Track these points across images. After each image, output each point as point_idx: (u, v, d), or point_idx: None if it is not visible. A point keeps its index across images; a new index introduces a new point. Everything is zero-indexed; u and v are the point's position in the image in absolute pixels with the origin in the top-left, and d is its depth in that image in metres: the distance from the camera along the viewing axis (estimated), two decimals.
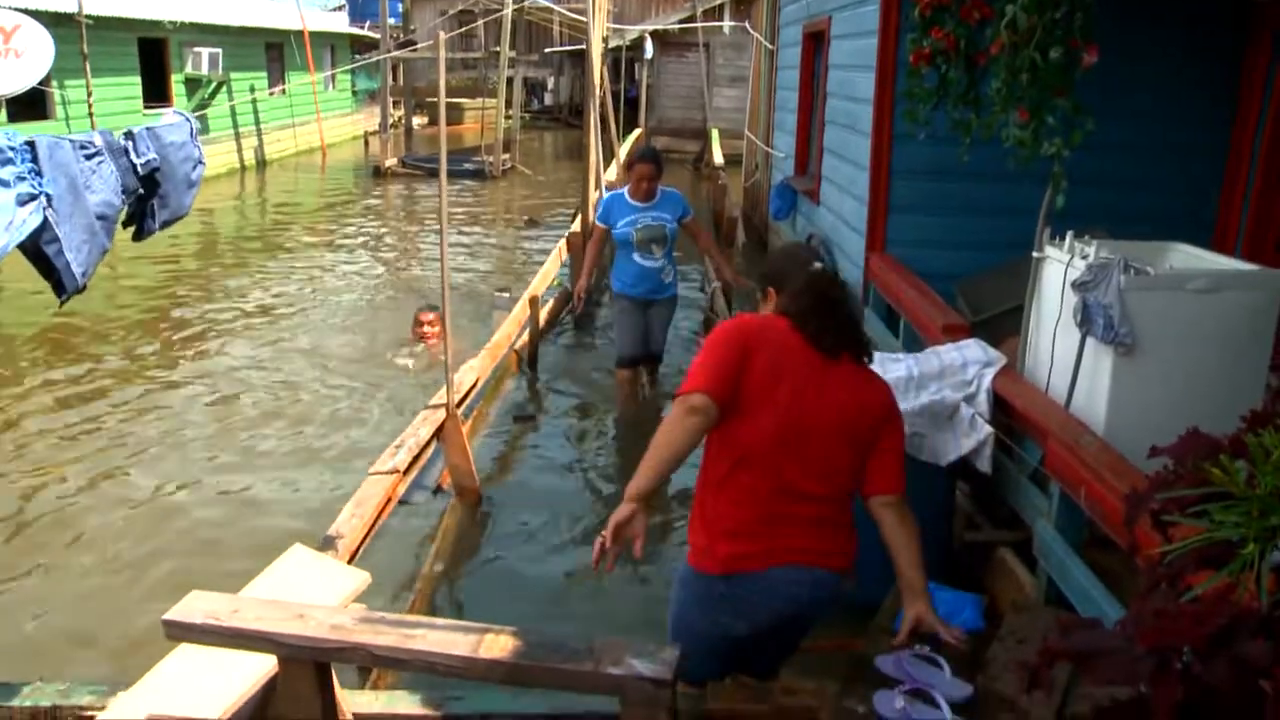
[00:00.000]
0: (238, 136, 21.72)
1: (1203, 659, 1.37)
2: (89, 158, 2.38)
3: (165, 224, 2.66)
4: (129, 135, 2.53)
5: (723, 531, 3.01)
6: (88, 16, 14.95)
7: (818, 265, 3.29)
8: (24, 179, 2.46)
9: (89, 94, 14.89)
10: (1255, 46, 5.92)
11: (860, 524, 3.43)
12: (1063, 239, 4.25)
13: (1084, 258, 4.03)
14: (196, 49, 20.10)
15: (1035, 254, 4.41)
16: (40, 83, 13.79)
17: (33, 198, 2.46)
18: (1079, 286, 3.96)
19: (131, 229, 2.70)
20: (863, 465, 3.09)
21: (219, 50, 20.68)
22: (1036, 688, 1.57)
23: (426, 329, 8.52)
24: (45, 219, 2.49)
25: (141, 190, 2.54)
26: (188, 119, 2.73)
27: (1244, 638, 1.37)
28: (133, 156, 2.50)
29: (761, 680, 3.37)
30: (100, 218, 2.34)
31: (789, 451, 2.97)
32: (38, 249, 2.61)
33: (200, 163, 2.72)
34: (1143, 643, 1.43)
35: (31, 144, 2.61)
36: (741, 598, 3.04)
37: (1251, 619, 1.39)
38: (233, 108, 21.29)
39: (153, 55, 19.05)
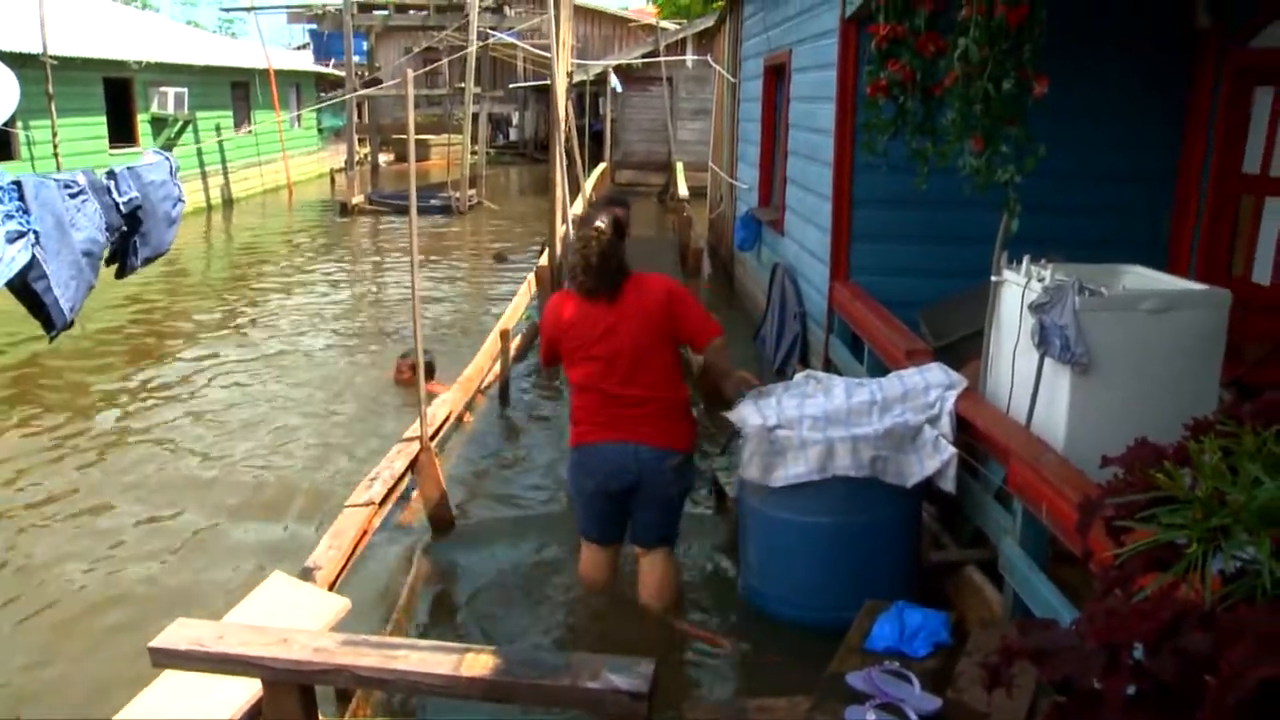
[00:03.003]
0: (204, 175, 21.70)
1: (1150, 652, 1.45)
2: (73, 196, 2.43)
3: (147, 261, 2.71)
4: (111, 174, 2.58)
5: (576, 420, 4.49)
6: (52, 57, 14.97)
7: (594, 224, 4.34)
8: (12, 217, 2.50)
9: (54, 134, 14.89)
10: (1202, 73, 6.10)
11: (827, 548, 3.74)
12: (1020, 264, 4.37)
13: (1040, 281, 4.14)
14: (162, 88, 20.11)
15: (993, 278, 4.51)
16: (5, 124, 13.75)
17: (20, 235, 2.50)
18: (1036, 309, 4.07)
19: (114, 266, 2.75)
20: (677, 354, 4.45)
21: (184, 90, 20.70)
22: (998, 686, 1.64)
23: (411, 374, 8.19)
24: (33, 256, 2.54)
25: (124, 228, 2.60)
26: (168, 158, 2.78)
27: (1187, 631, 1.44)
28: (115, 195, 2.55)
29: (645, 548, 4.60)
30: (86, 254, 2.39)
31: (608, 377, 4.31)
32: (26, 286, 2.65)
33: (180, 200, 2.77)
34: (1094, 639, 1.50)
35: (18, 183, 2.66)
36: (585, 462, 4.44)
37: (1194, 614, 1.46)
38: (199, 148, 21.27)
39: (118, 95, 19.04)
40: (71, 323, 2.58)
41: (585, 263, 4.28)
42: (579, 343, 4.36)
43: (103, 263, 2.58)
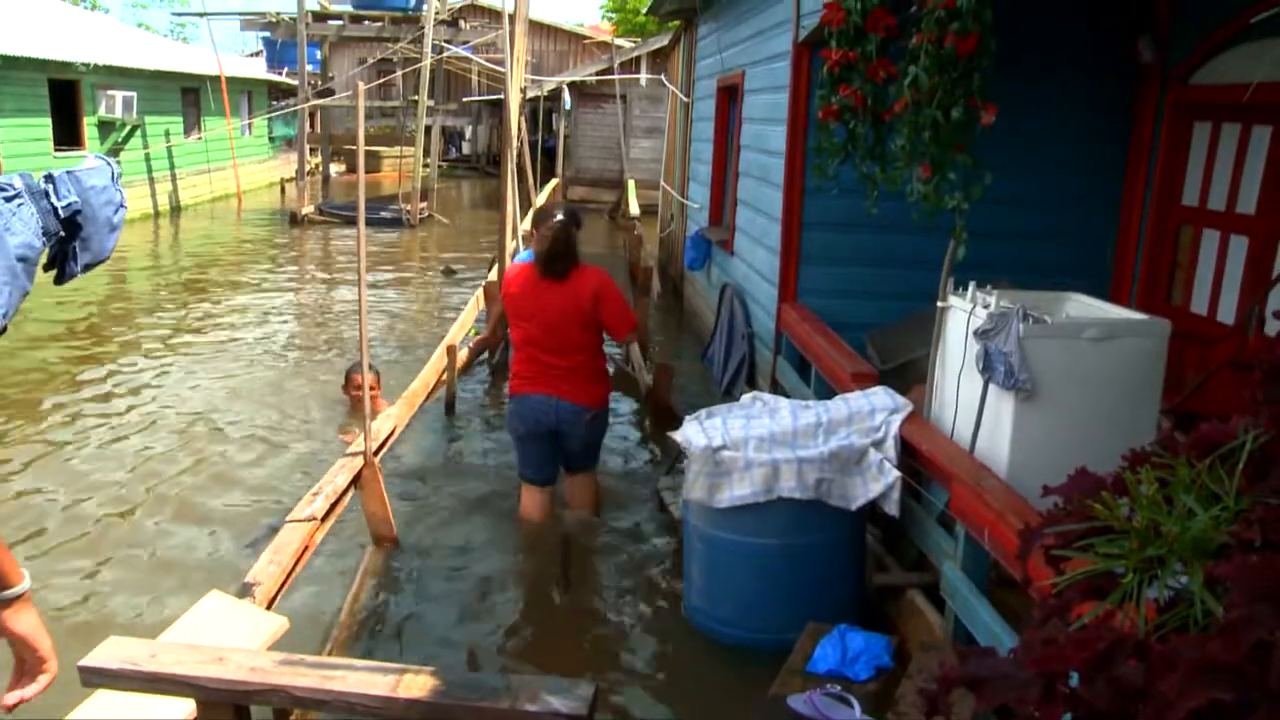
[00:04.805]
0: (152, 181, 21.42)
1: (1085, 681, 1.46)
2: (8, 200, 2.37)
3: (87, 267, 2.63)
4: (49, 178, 2.51)
5: (513, 375, 5.62)
6: None
7: (558, 219, 5.37)
8: None
9: None
10: (1145, 107, 6.21)
11: (771, 570, 3.73)
12: (967, 289, 4.41)
13: (985, 307, 4.19)
14: (110, 92, 19.79)
15: (939, 303, 4.56)
16: None
17: None
18: (980, 335, 4.11)
19: (52, 273, 2.68)
20: (598, 332, 5.43)
21: (133, 93, 20.40)
22: (936, 714, 1.64)
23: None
24: None
25: (62, 233, 2.53)
26: (109, 163, 2.72)
27: (1121, 661, 1.45)
28: (53, 199, 2.48)
29: (571, 473, 5.78)
30: (21, 259, 2.31)
31: (539, 341, 5.39)
32: None
33: (122, 206, 2.70)
34: (1031, 667, 1.51)
35: None
36: (518, 410, 5.54)
37: (1129, 644, 1.47)
38: (147, 153, 20.99)
39: (64, 97, 18.73)
40: (4, 328, 2.49)
41: (550, 248, 5.31)
42: (521, 307, 5.46)
43: (40, 268, 2.51)
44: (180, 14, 47.74)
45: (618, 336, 5.60)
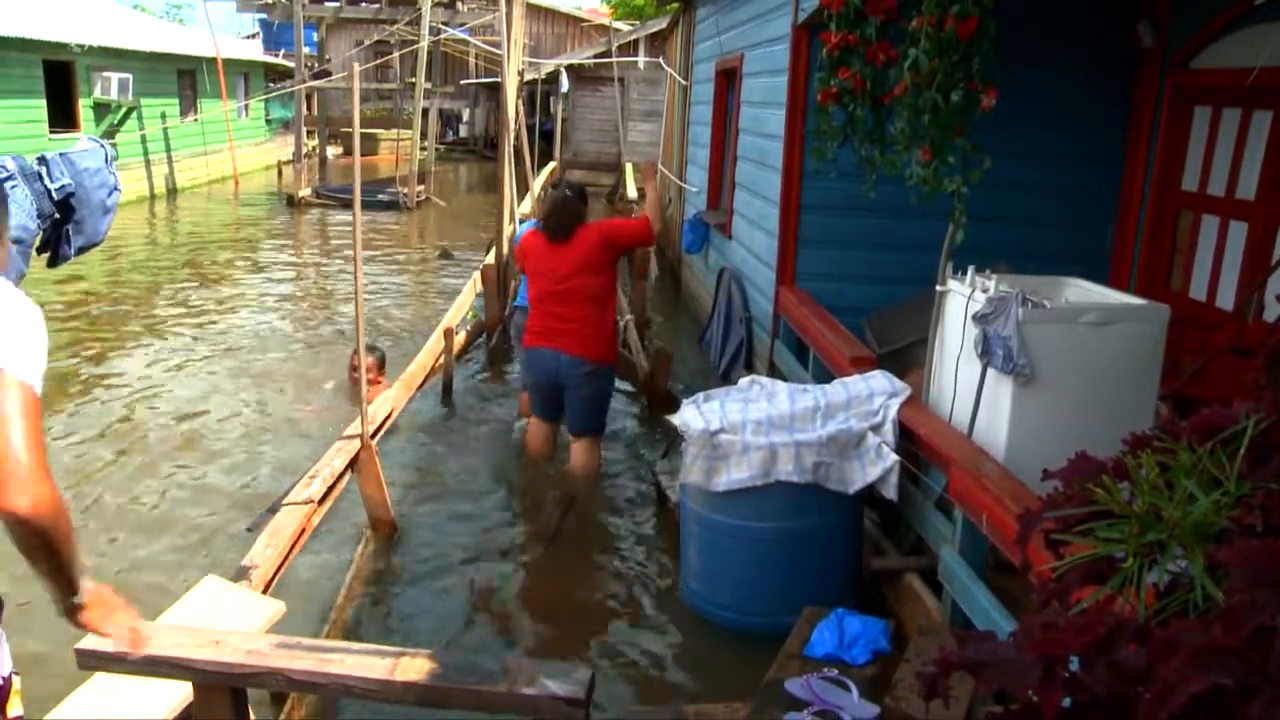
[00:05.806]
0: (148, 163, 21.32)
1: (1085, 665, 1.45)
2: (1, 182, 2.36)
3: (80, 250, 2.63)
4: (42, 160, 2.51)
5: (526, 329, 6.08)
6: None
7: (563, 193, 5.97)
8: None
9: None
10: (1144, 91, 6.19)
11: (768, 553, 3.71)
12: (966, 273, 4.40)
13: (984, 291, 4.18)
14: (106, 73, 19.68)
15: (938, 288, 4.55)
16: None
17: None
18: (979, 319, 4.10)
19: (46, 255, 2.67)
20: (609, 274, 5.92)
21: (129, 75, 20.29)
22: (934, 697, 1.64)
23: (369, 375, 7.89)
24: None
25: (56, 215, 2.53)
26: (103, 145, 2.71)
27: (1121, 645, 1.45)
28: (46, 182, 2.48)
29: (575, 436, 6.14)
30: (16, 241, 2.30)
31: (550, 297, 5.86)
32: None
33: (116, 189, 2.69)
34: (1031, 652, 1.51)
35: None
36: (528, 360, 6.14)
37: (1129, 628, 1.47)
38: (143, 135, 20.89)
39: (59, 78, 18.63)
40: None
41: (552, 215, 5.89)
42: (535, 268, 5.95)
43: (34, 251, 2.51)
44: None
45: (645, 236, 6.02)
